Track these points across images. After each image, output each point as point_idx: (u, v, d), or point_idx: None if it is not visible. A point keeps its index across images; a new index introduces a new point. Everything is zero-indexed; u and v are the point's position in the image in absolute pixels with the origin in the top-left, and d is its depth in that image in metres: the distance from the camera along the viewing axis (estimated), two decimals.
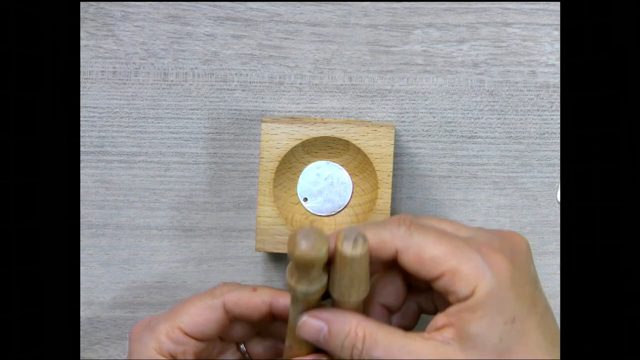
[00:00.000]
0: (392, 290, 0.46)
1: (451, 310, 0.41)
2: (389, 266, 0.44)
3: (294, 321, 0.45)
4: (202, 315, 0.47)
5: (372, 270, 0.44)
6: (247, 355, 0.50)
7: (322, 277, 0.43)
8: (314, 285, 0.42)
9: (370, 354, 0.42)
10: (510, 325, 0.41)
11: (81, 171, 0.56)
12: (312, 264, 0.41)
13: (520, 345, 0.41)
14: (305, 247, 0.41)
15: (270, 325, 0.49)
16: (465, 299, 0.41)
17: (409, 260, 0.42)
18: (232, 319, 0.47)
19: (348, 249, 0.41)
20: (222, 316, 0.47)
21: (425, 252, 0.41)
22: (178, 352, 0.46)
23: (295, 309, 0.44)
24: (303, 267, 0.41)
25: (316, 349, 0.47)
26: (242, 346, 0.50)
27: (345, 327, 0.42)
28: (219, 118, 0.55)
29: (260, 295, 0.47)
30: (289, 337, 0.46)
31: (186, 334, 0.46)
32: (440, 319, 0.42)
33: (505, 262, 0.41)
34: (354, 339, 0.42)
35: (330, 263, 0.43)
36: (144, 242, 0.57)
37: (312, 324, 0.43)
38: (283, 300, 0.47)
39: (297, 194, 0.54)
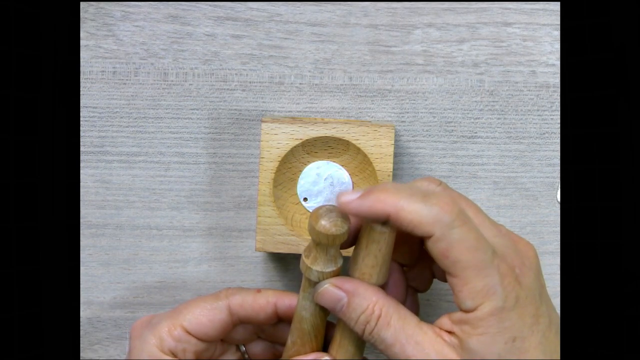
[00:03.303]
0: (406, 249, 0.46)
1: (455, 317, 0.42)
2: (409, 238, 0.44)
3: (302, 311, 0.45)
4: (206, 316, 0.47)
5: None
6: (246, 356, 0.50)
7: (338, 259, 0.43)
8: (330, 266, 0.42)
9: (380, 334, 0.42)
10: (511, 344, 0.41)
11: (81, 171, 0.56)
12: (333, 241, 0.41)
13: None
14: (326, 224, 0.41)
15: (272, 329, 0.49)
16: (467, 311, 0.41)
17: (436, 248, 0.41)
18: (237, 321, 0.47)
19: (377, 226, 0.41)
20: (227, 318, 0.47)
21: (453, 251, 0.41)
22: (178, 350, 0.46)
23: (306, 296, 0.44)
24: (322, 245, 0.41)
25: (318, 347, 0.47)
26: (242, 347, 0.50)
27: (364, 302, 0.42)
28: (219, 118, 0.55)
29: (265, 296, 0.47)
30: (295, 330, 0.46)
31: (188, 332, 0.46)
32: (447, 322, 0.42)
33: (515, 285, 0.42)
34: (369, 317, 0.42)
35: (344, 247, 0.43)
36: (144, 242, 0.57)
37: (333, 292, 0.43)
38: (288, 300, 0.47)
39: (297, 194, 0.54)
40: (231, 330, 0.48)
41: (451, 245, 0.41)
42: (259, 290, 0.47)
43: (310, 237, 0.43)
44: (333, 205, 0.42)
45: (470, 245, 0.41)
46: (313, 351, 0.46)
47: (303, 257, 0.43)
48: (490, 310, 0.41)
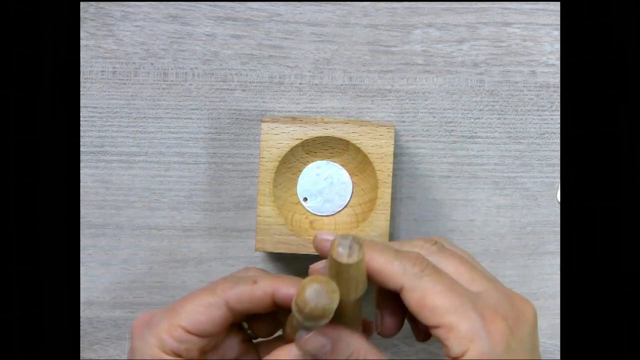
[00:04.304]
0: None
1: None
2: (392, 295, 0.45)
3: (293, 326, 0.45)
4: (204, 313, 0.46)
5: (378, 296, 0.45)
6: (249, 332, 0.50)
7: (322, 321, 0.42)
8: (322, 322, 0.42)
9: None
10: None
11: (81, 171, 0.56)
12: (321, 319, 0.41)
13: None
14: (314, 306, 0.39)
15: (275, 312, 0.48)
16: (455, 357, 0.41)
17: (411, 301, 0.42)
18: (237, 315, 0.47)
19: (343, 256, 0.40)
20: (226, 314, 0.46)
21: (428, 299, 0.42)
22: (182, 350, 0.46)
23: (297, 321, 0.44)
24: (311, 322, 0.41)
25: None
26: (244, 324, 0.49)
27: (349, 349, 0.43)
28: (219, 118, 0.55)
29: (262, 287, 0.46)
30: (289, 326, 0.46)
31: (189, 332, 0.46)
32: None
33: (505, 330, 0.42)
34: None
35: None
36: (144, 242, 0.57)
37: (316, 339, 0.43)
38: (285, 289, 0.46)
39: (297, 194, 0.54)
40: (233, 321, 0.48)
41: (425, 292, 0.42)
42: (255, 281, 0.47)
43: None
44: (320, 280, 0.41)
45: (444, 289, 0.42)
46: None
47: (293, 307, 0.43)
48: (477, 353, 0.41)
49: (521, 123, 0.56)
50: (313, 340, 0.43)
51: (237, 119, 0.55)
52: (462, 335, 0.41)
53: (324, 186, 0.54)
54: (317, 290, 0.39)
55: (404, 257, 0.43)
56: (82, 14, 0.54)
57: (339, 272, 0.41)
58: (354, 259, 0.40)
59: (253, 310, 0.47)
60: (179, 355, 0.46)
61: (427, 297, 0.42)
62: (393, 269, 0.43)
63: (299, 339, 0.44)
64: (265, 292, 0.46)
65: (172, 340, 0.46)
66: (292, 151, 0.52)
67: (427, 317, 0.42)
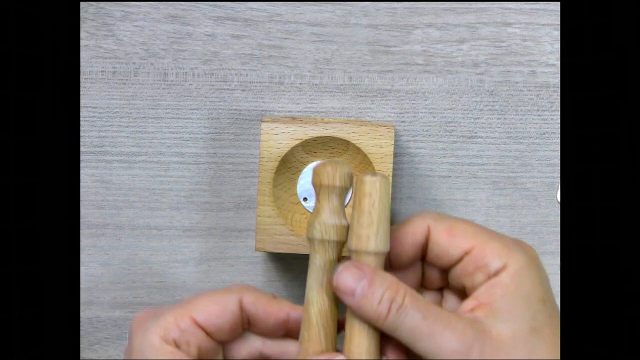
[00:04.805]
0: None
1: (481, 289, 0.41)
2: (417, 258, 0.44)
3: (309, 292, 0.43)
4: (217, 306, 0.44)
5: (402, 255, 0.44)
6: None
7: (342, 216, 0.42)
8: (332, 218, 0.42)
9: (407, 312, 0.40)
10: (543, 305, 0.40)
11: (81, 171, 0.56)
12: (333, 182, 0.41)
13: (550, 327, 0.41)
14: (329, 167, 0.42)
15: (278, 347, 0.46)
16: (497, 272, 0.40)
17: (439, 234, 0.42)
18: (246, 320, 0.45)
19: (366, 176, 0.41)
20: (237, 311, 0.44)
21: (456, 227, 0.42)
22: (182, 342, 0.43)
23: (312, 272, 0.43)
24: (324, 189, 0.42)
25: (327, 342, 0.44)
26: None
27: (386, 281, 0.41)
28: (219, 118, 0.55)
29: (279, 303, 0.45)
30: (304, 322, 0.44)
31: (197, 323, 0.44)
32: (468, 302, 0.41)
33: (532, 250, 0.42)
34: (395, 294, 0.40)
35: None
36: (144, 242, 0.57)
37: (353, 271, 0.41)
38: (301, 314, 0.44)
39: (297, 194, 0.54)
40: (239, 333, 0.46)
41: (451, 223, 0.42)
42: (274, 297, 0.46)
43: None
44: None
45: (467, 220, 0.43)
46: (321, 344, 0.44)
47: (308, 222, 0.43)
48: (520, 265, 0.40)
49: (521, 123, 0.56)
50: (348, 273, 0.41)
51: (237, 119, 0.55)
52: (500, 248, 0.41)
53: None
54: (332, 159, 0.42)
55: (415, 214, 0.44)
56: (82, 14, 0.54)
57: (360, 196, 0.41)
58: (373, 179, 0.41)
59: (263, 322, 0.45)
60: (178, 347, 0.44)
61: (455, 226, 0.42)
62: (414, 221, 0.43)
63: (333, 274, 0.42)
64: (282, 308, 0.45)
65: (177, 329, 0.43)
66: (292, 151, 0.52)
67: (458, 243, 0.42)
